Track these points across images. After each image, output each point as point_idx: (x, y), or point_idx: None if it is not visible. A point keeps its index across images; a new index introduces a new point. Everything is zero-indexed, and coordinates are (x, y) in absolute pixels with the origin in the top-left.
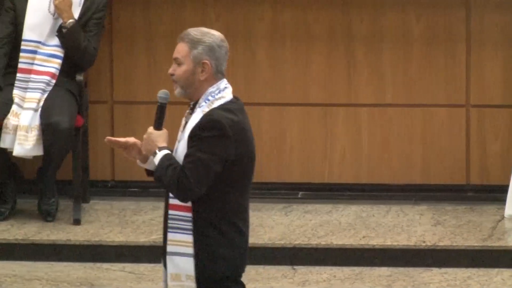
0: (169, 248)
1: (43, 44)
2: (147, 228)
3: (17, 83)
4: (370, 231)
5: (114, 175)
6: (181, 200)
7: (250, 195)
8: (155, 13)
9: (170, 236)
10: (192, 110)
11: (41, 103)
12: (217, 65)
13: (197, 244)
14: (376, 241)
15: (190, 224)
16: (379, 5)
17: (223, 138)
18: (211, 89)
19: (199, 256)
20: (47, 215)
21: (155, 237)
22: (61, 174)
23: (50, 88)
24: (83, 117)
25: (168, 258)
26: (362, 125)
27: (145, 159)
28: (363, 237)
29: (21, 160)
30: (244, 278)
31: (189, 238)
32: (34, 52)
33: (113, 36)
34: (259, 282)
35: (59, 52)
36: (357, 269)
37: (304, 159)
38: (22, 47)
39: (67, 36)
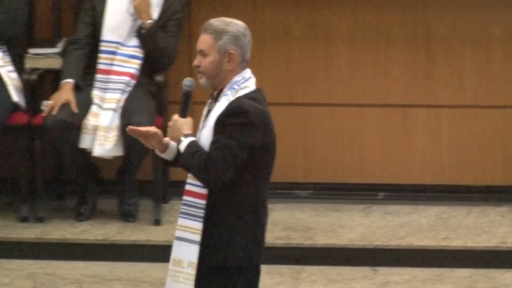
0: (177, 233)
1: (123, 45)
2: None
3: (96, 84)
4: (451, 232)
5: None
6: (207, 186)
7: (327, 196)
8: (234, 14)
9: (180, 221)
10: (216, 99)
11: (121, 104)
12: (243, 54)
13: (213, 233)
14: (457, 242)
15: (202, 211)
16: (459, 6)
17: (249, 125)
18: (236, 78)
19: (212, 244)
20: (127, 216)
21: None
22: (142, 174)
23: (129, 88)
24: (163, 117)
25: (174, 242)
26: (442, 126)
27: (164, 149)
28: (444, 238)
29: (101, 160)
30: (324, 279)
31: (199, 225)
32: (114, 53)
33: (192, 37)
34: (339, 283)
35: (139, 53)
36: (437, 271)
37: (385, 160)
38: (101, 48)
39: (146, 37)
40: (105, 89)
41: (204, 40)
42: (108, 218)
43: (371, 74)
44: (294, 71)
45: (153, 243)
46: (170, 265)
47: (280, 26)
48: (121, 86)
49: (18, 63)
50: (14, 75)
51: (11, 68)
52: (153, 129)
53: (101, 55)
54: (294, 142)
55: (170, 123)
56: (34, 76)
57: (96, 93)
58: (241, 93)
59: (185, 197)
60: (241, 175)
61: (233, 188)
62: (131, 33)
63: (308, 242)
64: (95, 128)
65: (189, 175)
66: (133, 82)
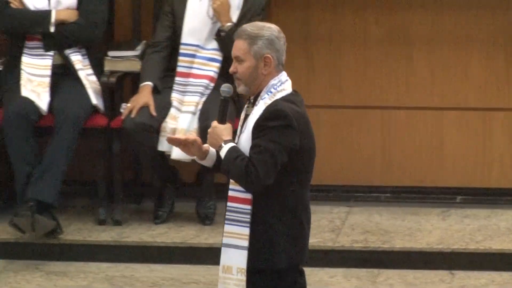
0: (225, 240)
1: (202, 47)
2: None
3: (175, 87)
4: None
5: None
6: (250, 191)
7: (406, 199)
8: (314, 16)
9: (226, 228)
10: (253, 103)
11: (199, 107)
12: (278, 57)
13: (256, 236)
14: None
15: (248, 216)
16: None
17: (288, 128)
18: (273, 82)
19: (257, 249)
20: (205, 219)
21: (313, 240)
22: (219, 177)
23: (208, 91)
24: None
25: (222, 249)
26: None
27: (204, 156)
28: None
29: (180, 163)
30: (401, 282)
31: (246, 230)
32: (193, 56)
33: None
34: (417, 286)
35: (218, 56)
36: None
37: (463, 164)
38: (181, 51)
39: (226, 39)
40: (184, 92)
41: (239, 46)
42: (185, 221)
43: (450, 77)
44: (374, 74)
45: None
46: (220, 272)
47: (359, 29)
48: (200, 89)
49: (97, 66)
50: (93, 78)
51: (90, 71)
52: (192, 136)
53: (181, 58)
54: (372, 145)
55: (209, 130)
56: (113, 79)
57: (175, 96)
58: (278, 96)
59: (229, 204)
60: (282, 178)
61: (274, 192)
62: (210, 36)
63: (385, 246)
64: (174, 131)
65: (231, 181)
66: (212, 85)
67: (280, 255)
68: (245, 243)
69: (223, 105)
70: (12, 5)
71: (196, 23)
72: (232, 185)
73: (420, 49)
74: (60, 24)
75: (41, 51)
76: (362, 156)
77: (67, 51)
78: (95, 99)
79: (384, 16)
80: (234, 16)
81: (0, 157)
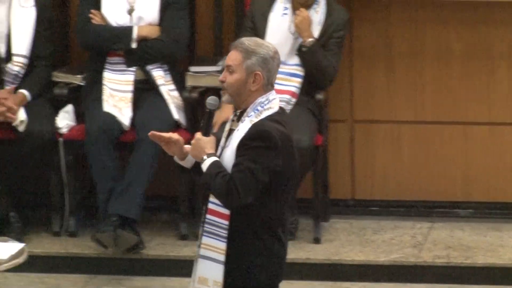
0: (202, 252)
1: (284, 63)
2: (387, 247)
3: None
4: None
5: (355, 193)
6: (228, 208)
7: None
8: (396, 33)
9: (204, 239)
10: (239, 118)
11: None
12: (269, 77)
13: (233, 252)
14: None
15: (225, 231)
16: None
17: (272, 149)
18: (260, 99)
19: (234, 264)
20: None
21: (396, 256)
22: (302, 192)
23: (290, 106)
24: (323, 135)
25: (199, 260)
26: None
27: (183, 156)
28: None
29: None
30: None
31: (222, 245)
32: None
33: (353, 55)
34: None
35: (299, 71)
36: None
37: None
38: None
39: (307, 55)
40: None
41: (233, 57)
42: None
43: None
44: (455, 89)
45: (313, 261)
46: (195, 283)
47: (441, 45)
48: (282, 104)
49: (179, 81)
50: (175, 93)
51: (172, 86)
52: (175, 135)
53: None
54: (453, 161)
55: (193, 141)
56: (195, 94)
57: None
58: (265, 114)
59: (208, 216)
60: (262, 198)
61: (254, 210)
62: (292, 52)
63: (468, 261)
64: None
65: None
66: (294, 100)
67: (258, 273)
68: (222, 258)
69: (208, 117)
70: (94, 21)
71: (277, 38)
72: (212, 198)
73: (500, 65)
74: (142, 40)
75: (123, 67)
76: (444, 172)
77: (149, 67)
78: (177, 114)
79: (466, 32)
80: (316, 31)
81: (81, 172)
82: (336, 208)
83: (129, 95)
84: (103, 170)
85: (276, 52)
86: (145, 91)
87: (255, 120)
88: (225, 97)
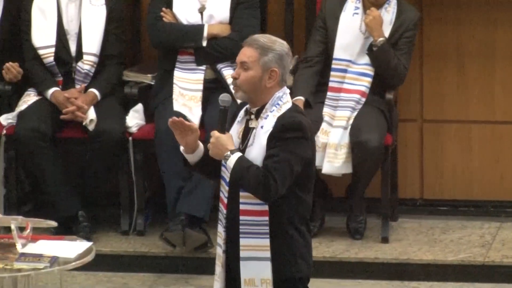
0: (243, 254)
1: (354, 63)
2: (455, 247)
3: (327, 101)
4: None
5: (423, 193)
6: (265, 200)
7: None
8: (466, 32)
9: (243, 241)
10: (257, 116)
11: (351, 121)
12: (283, 74)
13: (275, 246)
14: None
15: (267, 228)
16: None
17: (304, 139)
18: (278, 94)
19: (278, 259)
20: (355, 233)
21: (463, 255)
22: (370, 192)
23: (359, 106)
24: (393, 135)
25: (241, 263)
26: None
27: (194, 149)
28: None
29: (331, 178)
30: None
31: (266, 242)
32: (345, 71)
33: (424, 55)
34: None
35: (369, 71)
36: None
37: None
38: (333, 66)
39: (378, 54)
40: (335, 107)
41: (248, 54)
42: (335, 236)
43: None
44: None
45: (381, 261)
46: (242, 285)
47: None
48: (351, 103)
49: None
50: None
51: None
52: (195, 125)
53: (333, 73)
54: None
55: (212, 140)
56: None
57: (326, 111)
58: (285, 108)
59: (243, 217)
60: (295, 188)
61: (289, 202)
62: (362, 51)
63: None
64: (325, 146)
65: (242, 194)
66: (363, 99)
67: (300, 263)
68: (267, 254)
69: (223, 115)
70: (164, 19)
71: (348, 38)
72: (244, 198)
73: None
74: (212, 38)
75: (193, 66)
76: None
77: (219, 65)
78: None
79: None
80: (387, 31)
81: (150, 171)
82: (404, 207)
83: (199, 94)
84: (172, 169)
85: (289, 49)
86: (215, 90)
87: (278, 114)
88: (238, 94)
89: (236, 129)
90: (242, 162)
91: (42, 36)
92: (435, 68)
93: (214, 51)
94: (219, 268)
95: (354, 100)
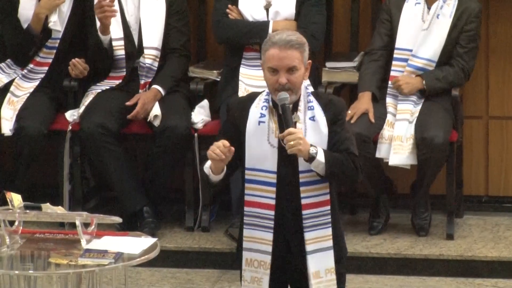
0: (309, 247)
1: (415, 56)
2: None
3: (389, 91)
4: None
5: (488, 190)
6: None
7: None
8: None
9: (308, 235)
10: (293, 110)
11: (415, 115)
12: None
13: (333, 234)
14: None
15: (329, 217)
16: None
17: None
18: (305, 83)
19: (335, 245)
20: (420, 230)
21: (504, 253)
22: (435, 188)
23: (421, 101)
24: (458, 132)
25: (309, 257)
26: None
27: (219, 169)
28: None
29: (396, 174)
30: None
31: (328, 231)
32: (406, 60)
33: (489, 51)
34: None
35: (430, 67)
36: None
37: None
38: (395, 55)
39: (432, 92)
40: (397, 97)
41: (295, 56)
42: (400, 232)
43: None
44: None
45: (446, 257)
46: (311, 280)
47: None
48: (413, 97)
49: (314, 76)
50: (311, 88)
51: (307, 82)
52: (232, 148)
53: (394, 62)
54: None
55: (300, 136)
56: (330, 90)
57: (389, 101)
58: (314, 93)
59: (306, 211)
60: None
61: (333, 185)
62: (423, 43)
63: None
64: (391, 138)
65: (302, 189)
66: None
67: (343, 242)
68: (330, 243)
69: (287, 112)
70: (230, 16)
71: (410, 27)
72: (305, 192)
73: None
74: None
75: (259, 62)
76: None
77: None
78: None
79: None
80: (447, 24)
81: None
82: (469, 204)
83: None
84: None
85: None
86: None
87: (315, 99)
88: (292, 97)
89: (264, 129)
90: (331, 155)
91: (112, 28)
92: (501, 64)
93: None
94: (259, 274)
95: (415, 94)
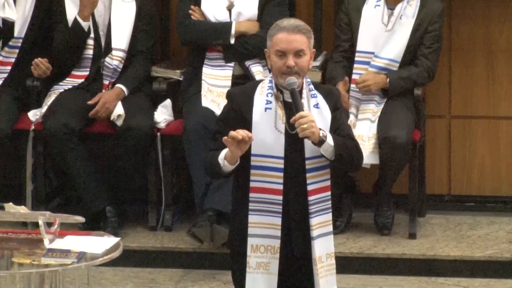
0: (314, 233)
1: (377, 56)
2: (482, 243)
3: (352, 94)
4: None
5: (451, 189)
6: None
7: None
8: (495, 28)
9: (314, 221)
10: (300, 94)
11: (377, 115)
12: None
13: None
14: None
15: (329, 202)
16: None
17: None
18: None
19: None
20: (383, 228)
21: (491, 252)
22: (398, 187)
23: (384, 100)
24: (421, 131)
25: (313, 243)
26: None
27: (235, 159)
28: None
29: (358, 173)
30: None
31: (330, 216)
32: (368, 63)
33: (452, 51)
34: None
35: (393, 66)
36: None
37: None
38: (356, 58)
39: (394, 91)
40: (359, 99)
41: (302, 40)
42: (363, 231)
43: None
44: None
45: (408, 256)
46: (317, 264)
47: None
48: (375, 97)
49: None
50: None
51: None
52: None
53: (356, 65)
54: None
55: (312, 119)
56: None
57: (352, 103)
58: (313, 82)
59: (311, 197)
60: None
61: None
62: (385, 44)
63: None
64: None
65: (308, 175)
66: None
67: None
68: (331, 228)
69: (296, 96)
70: (193, 17)
71: (371, 30)
72: (311, 178)
73: None
74: (240, 36)
75: (221, 62)
76: None
77: (247, 62)
78: None
79: None
80: (409, 25)
81: (178, 167)
82: (432, 203)
83: (227, 81)
84: (200, 165)
85: None
86: None
87: (314, 88)
88: (298, 81)
89: (271, 116)
90: (337, 138)
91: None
92: (464, 63)
93: (243, 49)
94: (266, 259)
95: (378, 94)
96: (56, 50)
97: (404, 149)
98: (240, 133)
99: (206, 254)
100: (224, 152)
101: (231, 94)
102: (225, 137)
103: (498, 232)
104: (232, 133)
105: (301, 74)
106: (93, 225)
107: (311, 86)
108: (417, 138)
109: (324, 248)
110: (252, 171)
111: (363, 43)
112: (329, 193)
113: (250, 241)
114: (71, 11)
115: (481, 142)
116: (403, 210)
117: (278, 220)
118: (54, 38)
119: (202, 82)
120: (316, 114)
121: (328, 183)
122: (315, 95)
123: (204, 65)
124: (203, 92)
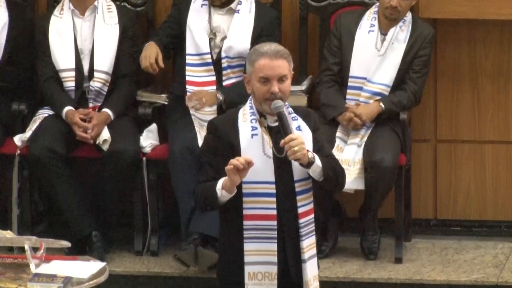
0: (306, 255)
1: (369, 80)
2: (468, 267)
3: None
4: None
5: (437, 213)
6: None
7: None
8: (481, 52)
9: (305, 243)
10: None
11: (365, 139)
12: None
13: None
14: None
15: (313, 225)
16: None
17: None
18: None
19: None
20: (369, 253)
21: (477, 276)
22: (383, 212)
23: (373, 124)
24: (406, 155)
25: (304, 266)
26: None
27: (234, 187)
28: None
29: (344, 197)
30: None
31: (314, 238)
32: (360, 88)
33: (438, 75)
34: None
35: (384, 91)
36: None
37: None
38: (349, 83)
39: (388, 114)
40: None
41: (284, 65)
42: (349, 256)
43: None
44: None
45: (394, 281)
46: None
47: None
48: (367, 122)
49: None
50: None
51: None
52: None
53: (349, 90)
54: None
55: (299, 141)
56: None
57: (340, 128)
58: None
59: (302, 220)
60: None
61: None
62: (378, 69)
63: None
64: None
65: (298, 198)
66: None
67: None
68: (315, 250)
69: (284, 119)
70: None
71: (364, 56)
72: (301, 201)
73: None
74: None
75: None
76: None
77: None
78: None
79: None
80: (401, 49)
81: (164, 191)
82: (418, 227)
83: (214, 116)
84: (186, 189)
85: None
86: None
87: (292, 111)
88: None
89: (258, 142)
90: (323, 159)
91: (63, 59)
92: (449, 87)
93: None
94: (264, 286)
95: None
96: (41, 80)
97: (390, 173)
98: (241, 160)
99: (192, 278)
100: (221, 182)
101: (214, 124)
102: (227, 167)
103: (484, 257)
104: (233, 161)
105: (284, 99)
106: (79, 250)
107: (290, 109)
108: (403, 162)
109: (313, 270)
110: (244, 199)
111: (355, 68)
112: (313, 215)
113: (247, 269)
114: (56, 45)
115: (467, 166)
116: (389, 234)
117: (274, 246)
118: (38, 67)
119: (192, 116)
120: (301, 136)
121: (313, 205)
122: (295, 118)
123: (187, 93)
124: (193, 117)
